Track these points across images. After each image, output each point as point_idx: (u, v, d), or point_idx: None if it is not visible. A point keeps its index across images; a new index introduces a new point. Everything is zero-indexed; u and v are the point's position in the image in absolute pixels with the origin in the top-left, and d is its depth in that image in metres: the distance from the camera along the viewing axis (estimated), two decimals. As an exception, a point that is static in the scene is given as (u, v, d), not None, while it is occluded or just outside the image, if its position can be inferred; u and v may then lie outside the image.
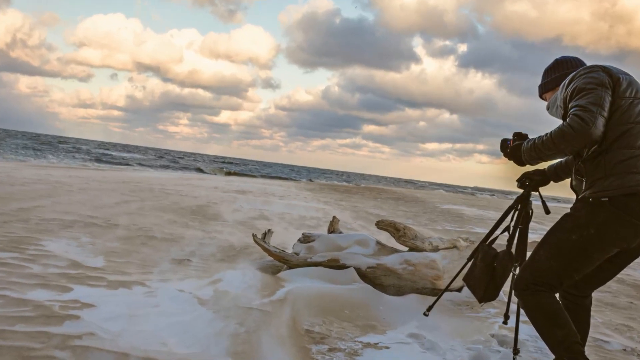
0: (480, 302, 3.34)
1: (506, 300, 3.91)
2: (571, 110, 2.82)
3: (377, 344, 3.98)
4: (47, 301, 4.10)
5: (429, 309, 3.86)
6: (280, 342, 3.76)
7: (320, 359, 3.61)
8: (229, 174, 47.37)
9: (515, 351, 3.43)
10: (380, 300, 4.97)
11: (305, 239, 6.20)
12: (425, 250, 5.63)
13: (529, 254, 3.17)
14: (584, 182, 2.96)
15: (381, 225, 5.91)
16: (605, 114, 2.80)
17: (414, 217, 16.91)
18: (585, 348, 3.16)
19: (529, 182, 3.40)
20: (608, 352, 4.34)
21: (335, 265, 5.51)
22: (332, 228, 6.67)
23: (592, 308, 3.35)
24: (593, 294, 3.32)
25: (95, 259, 5.76)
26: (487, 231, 3.64)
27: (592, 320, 3.34)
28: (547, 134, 2.92)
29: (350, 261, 5.49)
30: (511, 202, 3.48)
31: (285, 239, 8.09)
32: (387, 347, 3.92)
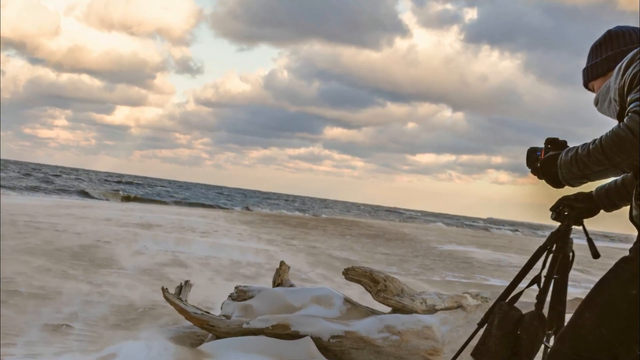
0: (497, 387, 3.30)
1: (535, 384, 3.89)
2: (631, 106, 2.80)
3: None
4: None
5: (423, 398, 3.81)
6: None
7: None
8: (127, 199, 47.40)
9: None
10: (350, 386, 4.93)
11: (240, 294, 6.19)
12: (416, 312, 5.64)
13: (568, 316, 3.14)
14: (650, 212, 2.95)
15: (352, 274, 5.90)
16: (680, 113, 2.79)
17: (400, 262, 17.05)
18: None
19: (569, 212, 3.39)
20: None
21: (283, 333, 5.48)
22: (280, 279, 6.65)
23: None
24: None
25: None
26: (507, 283, 3.62)
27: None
28: (594, 140, 2.90)
29: (306, 327, 5.47)
30: (543, 240, 3.47)
31: (211, 295, 8.17)
32: None
